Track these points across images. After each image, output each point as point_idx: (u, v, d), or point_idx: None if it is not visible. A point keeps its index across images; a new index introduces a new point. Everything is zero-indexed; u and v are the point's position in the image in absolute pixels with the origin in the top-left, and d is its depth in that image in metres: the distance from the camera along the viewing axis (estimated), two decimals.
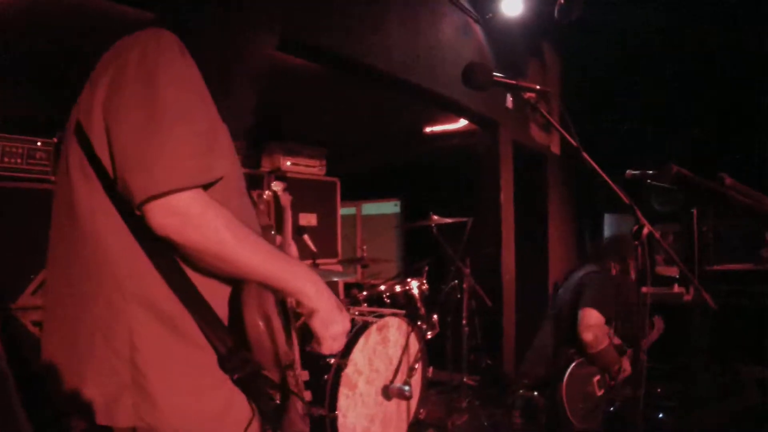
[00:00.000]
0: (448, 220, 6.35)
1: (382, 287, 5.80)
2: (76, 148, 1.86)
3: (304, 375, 4.32)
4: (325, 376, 4.48)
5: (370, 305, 5.52)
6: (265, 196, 4.49)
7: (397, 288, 5.75)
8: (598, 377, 5.51)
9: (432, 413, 6.27)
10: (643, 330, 2.86)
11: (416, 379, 5.40)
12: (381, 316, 5.11)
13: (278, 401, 1.81)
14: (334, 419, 4.36)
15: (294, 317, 2.17)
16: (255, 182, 7.08)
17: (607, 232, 11.33)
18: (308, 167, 7.71)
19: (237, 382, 1.83)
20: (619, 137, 9.15)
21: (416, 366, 5.30)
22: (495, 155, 8.50)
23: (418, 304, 5.73)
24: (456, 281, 6.74)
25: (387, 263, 8.10)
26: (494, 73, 2.76)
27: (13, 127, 5.52)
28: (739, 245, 8.33)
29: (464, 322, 6.76)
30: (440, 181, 11.47)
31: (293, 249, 3.91)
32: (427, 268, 6.27)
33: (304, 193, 7.59)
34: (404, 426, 5.36)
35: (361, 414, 4.77)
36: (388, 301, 5.73)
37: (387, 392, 5.04)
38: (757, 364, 6.42)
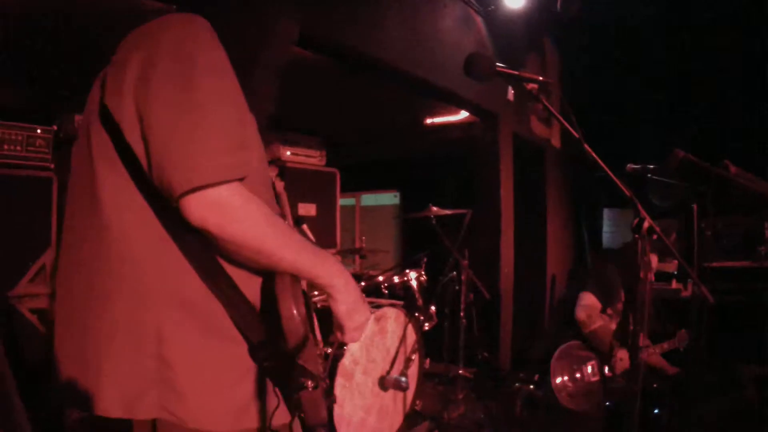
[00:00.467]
0: (447, 212, 6.35)
1: (381, 278, 5.79)
2: (101, 133, 1.80)
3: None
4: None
5: (368, 296, 5.51)
6: None
7: (396, 279, 5.75)
8: (593, 362, 5.54)
9: (428, 405, 6.26)
10: (641, 325, 2.83)
11: (413, 371, 5.40)
12: (379, 306, 5.10)
13: (310, 388, 1.78)
14: (330, 409, 4.35)
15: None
16: None
17: (605, 226, 11.33)
18: (308, 157, 7.70)
19: (266, 371, 1.83)
20: (618, 133, 9.13)
21: (413, 357, 5.30)
22: (495, 147, 8.50)
23: (416, 296, 5.73)
24: (454, 273, 6.75)
25: (385, 254, 8.11)
26: (497, 64, 2.75)
27: (13, 114, 5.52)
28: (738, 242, 8.33)
29: (462, 314, 6.77)
30: (440, 173, 11.46)
31: None
32: (425, 260, 6.27)
33: (303, 183, 7.58)
34: (400, 417, 5.36)
35: (358, 404, 4.76)
36: (386, 291, 5.73)
37: (383, 383, 5.03)
38: (755, 362, 6.42)
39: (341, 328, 2.03)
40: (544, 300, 10.04)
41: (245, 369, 1.83)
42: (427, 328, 5.73)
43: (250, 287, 1.85)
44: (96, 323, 1.77)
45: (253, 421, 1.85)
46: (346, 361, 4.57)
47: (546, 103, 2.74)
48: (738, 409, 5.78)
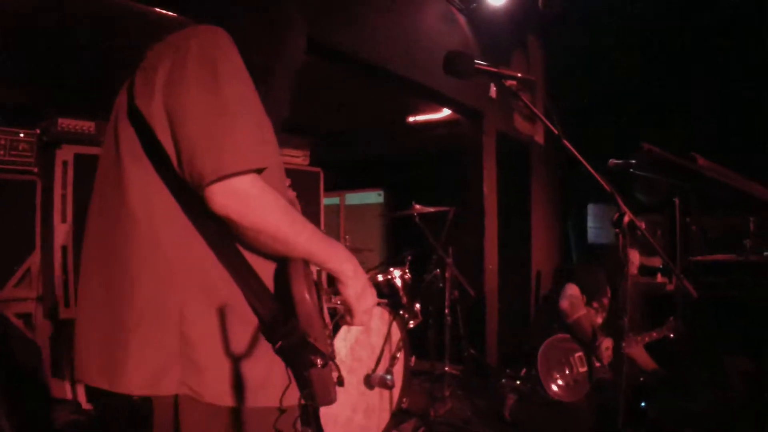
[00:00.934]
0: (431, 210, 6.36)
1: None
2: (129, 132, 1.98)
3: None
4: None
5: None
6: None
7: (380, 277, 5.74)
8: (580, 354, 5.57)
9: (415, 402, 6.27)
10: (623, 319, 2.85)
11: (398, 369, 5.40)
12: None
13: (320, 365, 1.90)
14: (317, 408, 4.36)
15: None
16: None
17: (590, 222, 11.35)
18: (291, 157, 7.68)
19: (279, 351, 1.92)
20: (603, 128, 9.15)
21: (398, 355, 5.31)
22: (478, 145, 8.52)
23: (401, 294, 5.72)
24: (438, 270, 6.75)
25: (370, 252, 8.10)
26: (476, 62, 2.75)
27: None
28: (724, 236, 8.36)
29: (446, 311, 6.77)
30: (424, 171, 11.48)
31: None
32: (410, 258, 6.27)
33: None
34: (387, 415, 5.37)
35: (344, 403, 4.77)
36: None
37: (369, 381, 5.04)
38: (741, 355, 6.45)
39: (350, 312, 2.18)
40: (530, 296, 10.06)
41: (261, 348, 1.96)
42: (412, 325, 5.73)
43: (266, 272, 2.01)
44: (123, 306, 1.92)
45: (267, 399, 1.98)
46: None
47: (525, 101, 2.75)
48: (725, 402, 5.80)
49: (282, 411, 1.97)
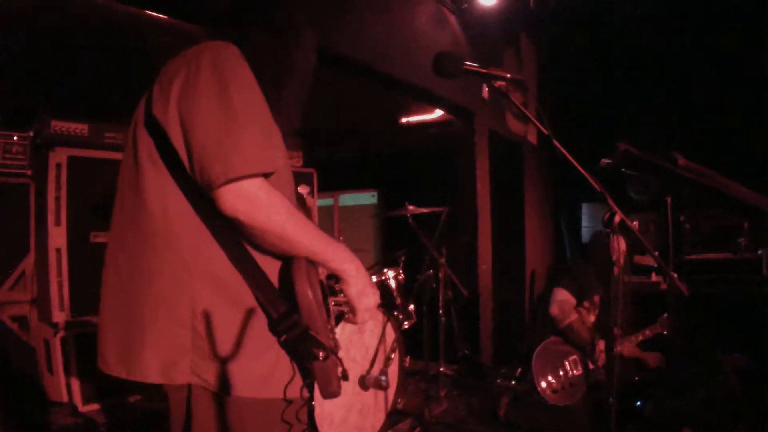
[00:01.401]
0: (424, 210, 6.36)
1: None
2: (147, 140, 2.15)
3: None
4: None
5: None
6: None
7: (374, 278, 5.74)
8: (574, 357, 5.58)
9: (410, 402, 6.28)
10: (615, 318, 2.86)
11: (393, 369, 5.40)
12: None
13: (321, 358, 2.01)
14: (311, 409, 4.37)
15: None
16: None
17: (584, 221, 11.37)
18: None
19: (283, 344, 2.04)
20: (597, 127, 9.17)
21: (393, 356, 5.31)
22: (471, 145, 8.52)
23: (395, 294, 5.73)
24: (432, 271, 6.76)
25: (364, 253, 8.12)
26: (465, 62, 2.76)
27: None
28: (718, 235, 8.38)
29: (440, 311, 6.78)
30: (418, 172, 11.48)
31: None
32: (403, 258, 6.28)
33: None
34: (382, 416, 5.37)
35: (339, 404, 4.77)
36: None
37: (364, 382, 5.04)
38: (737, 352, 6.46)
39: (353, 310, 2.32)
40: (524, 295, 10.07)
41: (267, 342, 2.08)
42: (406, 326, 5.74)
43: (272, 269, 2.14)
44: (141, 299, 2.11)
45: (273, 391, 2.13)
46: None
47: (514, 101, 2.76)
48: (720, 400, 5.81)
49: (289, 402, 2.14)
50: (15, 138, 5.49)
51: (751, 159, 7.84)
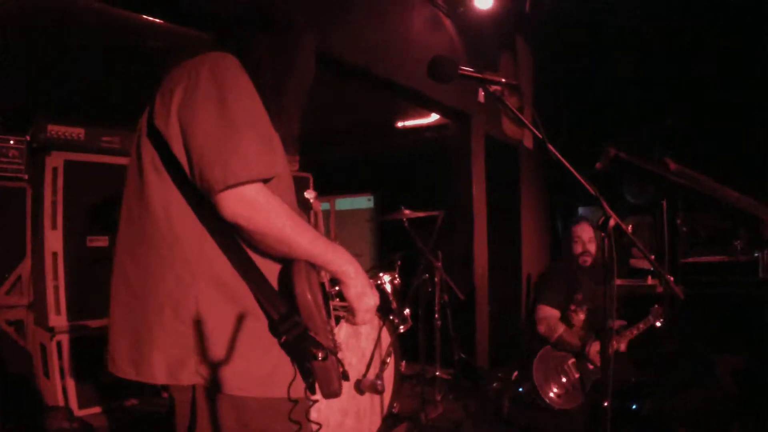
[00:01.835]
0: (420, 214, 6.36)
1: None
2: (151, 150, 2.21)
3: None
4: None
5: (342, 299, 5.52)
6: None
7: None
8: (572, 360, 5.58)
9: (406, 407, 6.27)
10: (607, 320, 2.87)
11: (389, 373, 5.41)
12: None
13: (320, 358, 2.08)
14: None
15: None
16: None
17: None
18: None
19: (284, 345, 2.13)
20: (593, 131, 9.19)
21: (388, 360, 5.31)
22: (467, 148, 8.52)
23: (391, 298, 5.73)
24: (427, 275, 6.76)
25: (360, 257, 8.10)
26: (460, 66, 2.77)
27: None
28: (714, 237, 8.40)
29: (436, 315, 6.78)
30: (414, 175, 11.47)
31: None
32: (399, 262, 6.28)
33: None
34: (378, 420, 5.37)
35: (334, 408, 4.77)
36: None
37: (360, 386, 5.05)
38: (731, 354, 6.47)
39: (353, 311, 2.36)
40: (520, 299, 10.07)
41: (269, 343, 2.15)
42: (402, 330, 5.74)
43: (272, 272, 2.21)
44: (147, 302, 2.17)
45: (275, 390, 2.17)
46: None
47: (509, 105, 2.77)
48: (716, 401, 5.82)
49: (295, 402, 2.14)
50: (11, 142, 5.49)
51: (751, 159, 7.86)
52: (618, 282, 2.81)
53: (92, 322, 5.56)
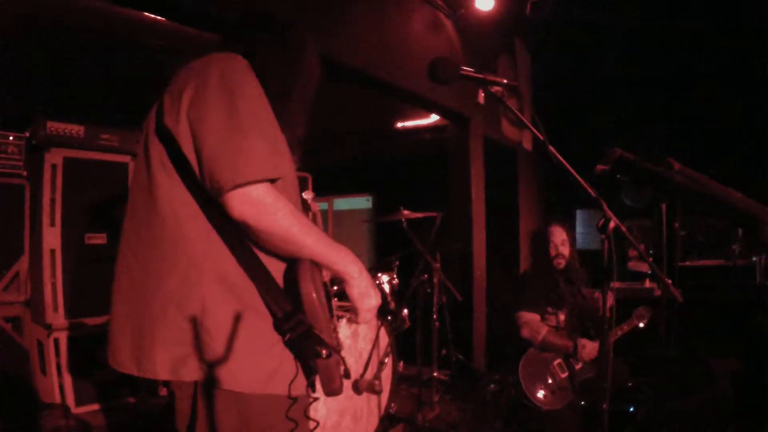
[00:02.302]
0: (418, 215, 6.35)
1: None
2: (159, 148, 2.23)
3: None
4: None
5: (340, 300, 5.52)
6: None
7: None
8: (558, 361, 5.57)
9: (403, 408, 6.28)
10: (600, 323, 2.87)
11: (386, 374, 5.40)
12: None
13: (324, 356, 2.10)
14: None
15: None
16: None
17: (578, 227, 11.38)
18: None
19: (288, 343, 2.16)
20: (591, 133, 9.19)
21: (386, 360, 5.31)
22: (465, 150, 8.53)
23: (388, 299, 5.72)
24: (426, 276, 6.75)
25: (357, 257, 8.10)
26: (461, 68, 2.77)
27: None
28: (712, 241, 8.40)
29: (434, 316, 6.78)
30: (413, 176, 11.49)
31: None
32: (397, 263, 6.27)
33: None
34: (375, 420, 5.37)
35: (331, 408, 4.76)
36: None
37: (357, 386, 5.04)
38: (728, 358, 6.48)
39: (355, 310, 2.39)
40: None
41: (273, 340, 2.17)
42: (399, 331, 5.74)
43: (277, 271, 2.22)
44: (151, 298, 2.18)
45: (278, 387, 2.18)
46: None
47: (510, 106, 2.77)
48: (713, 405, 5.83)
49: (294, 400, 2.16)
50: (11, 138, 5.48)
51: (751, 160, 7.88)
52: (615, 285, 2.79)
53: (90, 320, 5.55)
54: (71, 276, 5.51)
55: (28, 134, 5.55)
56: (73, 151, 5.54)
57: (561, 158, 2.71)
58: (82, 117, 5.63)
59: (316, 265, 2.22)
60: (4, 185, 5.51)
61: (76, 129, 5.56)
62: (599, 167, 3.32)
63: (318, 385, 2.30)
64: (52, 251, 5.41)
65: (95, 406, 5.60)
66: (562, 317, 5.86)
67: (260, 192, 2.03)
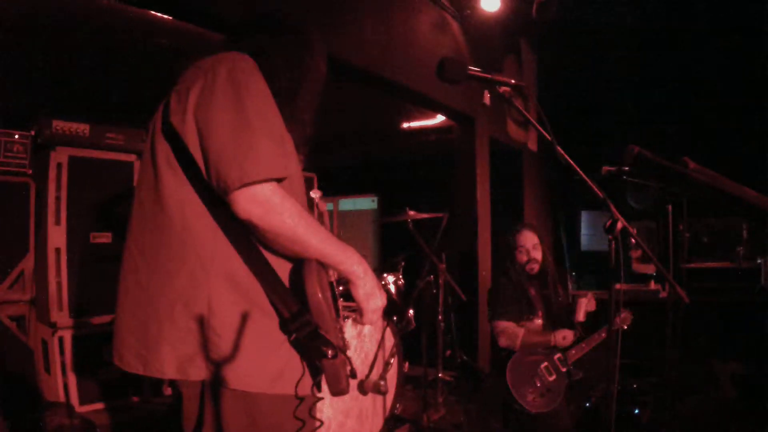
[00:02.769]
0: (424, 215, 6.34)
1: None
2: (165, 147, 2.23)
3: None
4: None
5: (346, 300, 5.51)
6: None
7: None
8: (546, 363, 5.53)
9: (408, 408, 6.27)
10: (609, 322, 2.85)
11: (392, 374, 5.39)
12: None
13: (330, 356, 2.10)
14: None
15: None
16: None
17: (583, 229, 11.37)
18: None
19: (294, 343, 2.18)
20: (595, 135, 9.18)
21: (392, 361, 5.30)
22: (471, 151, 8.53)
23: (394, 299, 5.72)
24: (431, 276, 6.74)
25: (363, 258, 8.10)
26: (469, 67, 2.77)
27: None
28: (716, 243, 8.40)
29: (440, 317, 6.77)
30: (418, 177, 11.48)
31: None
32: (403, 264, 6.26)
33: None
34: (380, 421, 5.36)
35: (337, 408, 4.76)
36: None
37: (362, 387, 5.03)
38: (732, 360, 6.47)
39: (361, 311, 2.38)
40: None
41: (280, 340, 2.18)
42: (405, 332, 5.73)
43: (283, 271, 2.23)
44: (158, 297, 2.18)
45: (284, 387, 2.20)
46: None
47: (518, 106, 2.76)
48: (716, 406, 5.82)
49: (301, 399, 2.21)
50: (16, 137, 5.48)
51: (751, 160, 7.87)
52: (620, 287, 2.77)
53: (94, 319, 5.55)
54: (76, 275, 5.51)
55: (33, 133, 5.55)
56: (79, 149, 5.55)
57: (568, 159, 2.71)
58: (87, 116, 5.63)
59: (323, 266, 2.22)
60: (9, 184, 5.50)
61: (82, 128, 5.56)
62: (605, 168, 3.31)
63: (324, 386, 2.29)
64: (57, 250, 5.41)
65: (99, 405, 5.60)
66: (538, 321, 5.84)
67: (267, 191, 2.04)
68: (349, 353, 2.34)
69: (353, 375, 2.28)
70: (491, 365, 5.88)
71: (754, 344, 6.37)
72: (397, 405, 5.59)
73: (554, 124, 2.74)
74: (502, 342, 5.75)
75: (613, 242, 2.65)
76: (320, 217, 4.43)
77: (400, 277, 5.92)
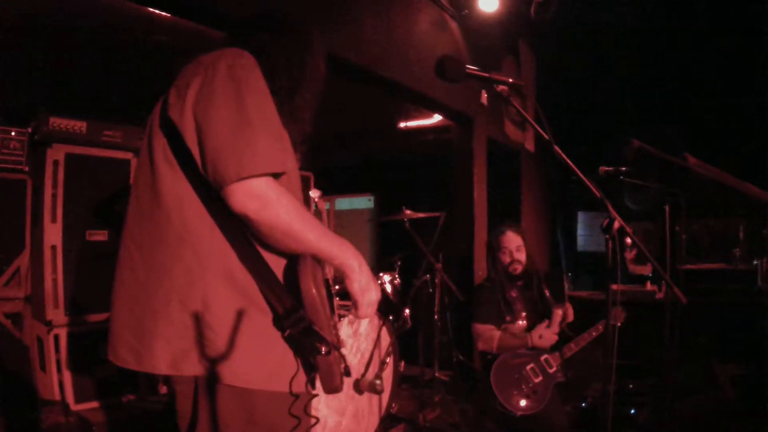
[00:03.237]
0: (421, 215, 6.33)
1: None
2: (163, 141, 2.24)
3: None
4: None
5: (341, 300, 5.51)
6: None
7: None
8: (532, 365, 5.50)
9: (404, 407, 6.28)
10: (609, 322, 2.85)
11: (388, 373, 5.39)
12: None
13: (324, 352, 2.10)
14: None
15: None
16: None
17: (580, 229, 11.38)
18: None
19: (288, 339, 2.18)
20: (593, 135, 9.18)
21: (387, 360, 5.30)
22: (469, 151, 8.53)
23: (391, 298, 5.72)
24: (428, 276, 6.73)
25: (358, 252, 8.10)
26: (467, 66, 2.76)
27: None
28: (713, 245, 8.40)
29: (436, 317, 6.76)
30: (415, 177, 11.49)
31: None
32: (399, 263, 6.26)
33: None
34: (376, 420, 5.36)
35: (333, 407, 4.75)
36: None
37: (358, 386, 5.03)
38: (730, 361, 6.47)
39: (355, 305, 2.37)
40: None
41: (274, 337, 2.18)
42: (401, 331, 5.72)
43: (279, 266, 2.23)
44: (154, 292, 2.19)
45: (279, 384, 2.19)
46: None
47: (516, 106, 2.75)
48: (714, 408, 5.82)
49: (296, 396, 2.19)
50: (13, 133, 5.47)
51: (751, 160, 7.87)
52: (616, 287, 2.76)
53: (90, 317, 5.55)
54: (72, 272, 5.51)
55: (30, 130, 5.54)
56: (76, 147, 5.54)
57: (566, 158, 2.70)
58: (86, 113, 5.63)
59: (318, 262, 2.22)
60: (5, 181, 5.50)
61: (79, 125, 5.55)
62: (602, 169, 3.31)
63: (318, 383, 2.29)
64: (53, 247, 5.40)
65: (95, 404, 5.59)
66: (522, 323, 5.81)
67: (263, 185, 2.04)
68: (345, 352, 2.33)
69: (347, 373, 2.29)
70: (480, 367, 5.85)
71: (753, 345, 6.37)
72: (393, 404, 5.60)
73: (553, 124, 2.73)
74: (480, 345, 5.72)
75: (610, 242, 2.64)
76: (318, 216, 4.44)
77: (397, 276, 5.93)
